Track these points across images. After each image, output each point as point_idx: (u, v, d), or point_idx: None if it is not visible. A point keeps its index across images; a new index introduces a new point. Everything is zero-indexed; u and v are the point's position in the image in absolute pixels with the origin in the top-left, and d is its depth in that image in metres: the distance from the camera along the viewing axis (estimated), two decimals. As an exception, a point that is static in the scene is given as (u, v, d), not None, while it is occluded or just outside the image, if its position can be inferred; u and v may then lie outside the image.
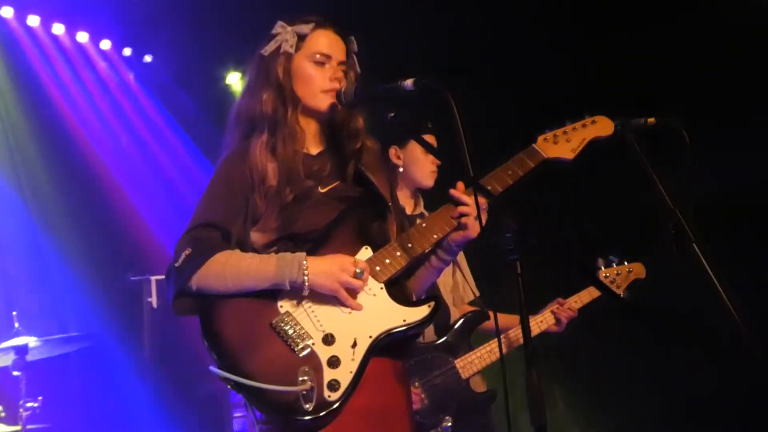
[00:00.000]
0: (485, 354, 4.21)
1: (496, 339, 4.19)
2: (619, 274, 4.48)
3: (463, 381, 4.16)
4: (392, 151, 4.35)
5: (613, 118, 3.28)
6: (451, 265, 4.29)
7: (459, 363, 4.17)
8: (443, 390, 4.12)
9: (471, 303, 4.47)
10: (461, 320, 4.24)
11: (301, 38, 3.00)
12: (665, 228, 3.15)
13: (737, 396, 5.33)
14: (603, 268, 4.48)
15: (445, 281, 4.39)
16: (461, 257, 4.50)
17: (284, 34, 2.99)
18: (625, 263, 4.51)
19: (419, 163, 4.35)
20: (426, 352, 4.14)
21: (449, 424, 4.06)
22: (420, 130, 4.32)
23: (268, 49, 3.00)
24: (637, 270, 4.51)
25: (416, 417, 3.98)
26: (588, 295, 4.45)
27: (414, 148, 4.34)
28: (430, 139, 4.34)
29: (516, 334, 4.27)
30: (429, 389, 4.08)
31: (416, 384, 4.04)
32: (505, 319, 4.29)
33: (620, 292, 4.45)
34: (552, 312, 4.39)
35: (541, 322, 4.38)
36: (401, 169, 4.34)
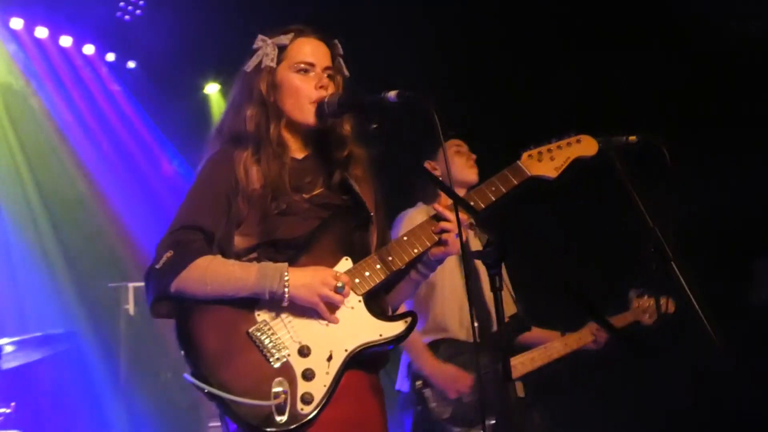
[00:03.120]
0: (527, 361, 4.36)
1: (538, 348, 4.42)
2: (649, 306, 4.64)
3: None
4: (428, 166, 4.42)
5: (595, 135, 3.30)
6: None
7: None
8: (489, 389, 4.18)
9: (512, 316, 4.47)
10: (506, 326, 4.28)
11: (282, 49, 2.98)
12: (645, 246, 3.17)
13: (712, 411, 5.35)
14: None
15: (488, 294, 4.36)
16: (503, 269, 4.50)
17: (265, 47, 2.97)
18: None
19: (456, 165, 4.44)
20: (470, 350, 4.29)
21: (493, 421, 4.12)
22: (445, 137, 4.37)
23: (251, 64, 2.98)
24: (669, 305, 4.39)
25: (461, 414, 4.16)
26: (623, 320, 4.63)
27: (442, 153, 4.36)
28: (456, 143, 4.50)
29: (553, 347, 4.44)
30: (476, 387, 4.16)
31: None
32: (543, 333, 4.55)
33: (650, 321, 4.62)
34: (591, 332, 4.52)
35: (579, 338, 4.51)
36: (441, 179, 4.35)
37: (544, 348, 4.43)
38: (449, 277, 4.46)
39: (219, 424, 2.78)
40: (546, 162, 3.12)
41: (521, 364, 4.35)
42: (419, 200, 4.55)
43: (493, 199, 3.00)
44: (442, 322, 4.45)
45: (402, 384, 4.42)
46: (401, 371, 4.44)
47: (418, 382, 4.31)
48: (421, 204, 4.51)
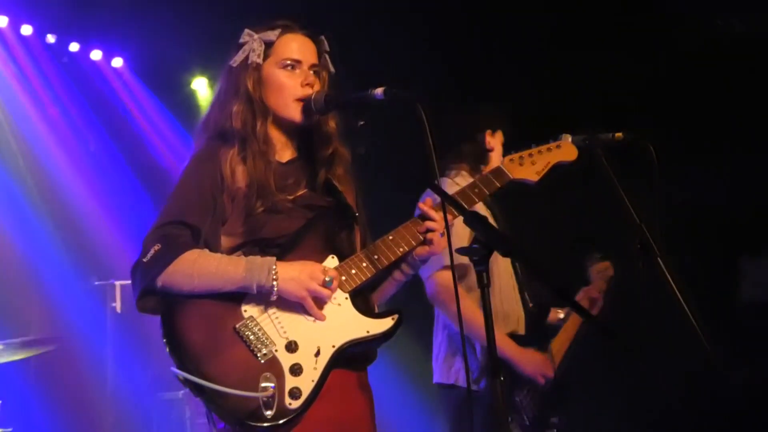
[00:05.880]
0: (559, 345, 4.28)
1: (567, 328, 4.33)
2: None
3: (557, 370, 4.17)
4: (488, 136, 4.28)
5: (581, 132, 3.33)
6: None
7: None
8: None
9: (535, 304, 4.39)
10: (531, 316, 4.26)
11: (269, 45, 2.96)
12: (631, 242, 3.19)
13: (700, 407, 5.38)
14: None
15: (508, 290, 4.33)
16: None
17: (251, 42, 2.96)
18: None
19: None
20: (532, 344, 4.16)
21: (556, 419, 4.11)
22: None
23: (237, 59, 2.97)
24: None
25: (529, 413, 4.06)
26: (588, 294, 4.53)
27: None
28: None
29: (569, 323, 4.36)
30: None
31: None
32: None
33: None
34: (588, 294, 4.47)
35: (583, 298, 4.46)
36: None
37: (563, 330, 4.32)
38: (503, 272, 4.33)
39: (205, 422, 2.76)
40: (527, 166, 3.19)
41: (562, 344, 4.28)
42: (463, 162, 4.33)
43: (477, 201, 3.05)
44: (504, 317, 4.30)
45: (460, 378, 4.09)
46: (454, 364, 4.14)
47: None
48: (464, 170, 4.32)
